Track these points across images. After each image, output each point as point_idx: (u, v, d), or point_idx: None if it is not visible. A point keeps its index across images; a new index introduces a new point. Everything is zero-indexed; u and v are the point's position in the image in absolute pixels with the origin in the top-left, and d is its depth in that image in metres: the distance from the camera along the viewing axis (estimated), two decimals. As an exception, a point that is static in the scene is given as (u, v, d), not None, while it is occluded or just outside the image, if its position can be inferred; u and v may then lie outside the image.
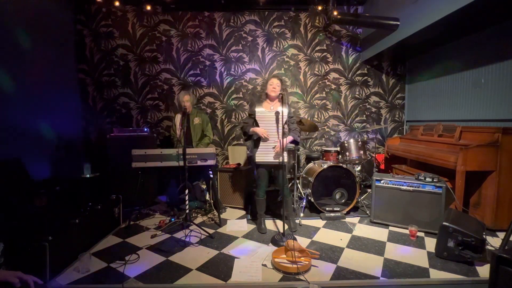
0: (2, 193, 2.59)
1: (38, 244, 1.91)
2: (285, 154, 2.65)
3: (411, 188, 2.80)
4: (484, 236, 2.16)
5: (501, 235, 2.63)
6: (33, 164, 3.29)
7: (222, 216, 3.26)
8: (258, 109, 2.71)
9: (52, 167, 3.72)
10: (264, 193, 2.81)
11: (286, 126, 2.67)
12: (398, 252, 2.38)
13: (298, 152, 2.77)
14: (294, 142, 2.80)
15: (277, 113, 2.53)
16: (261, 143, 2.68)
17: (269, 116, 2.66)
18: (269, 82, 2.69)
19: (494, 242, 2.47)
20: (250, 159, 4.23)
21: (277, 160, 2.62)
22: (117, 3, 4.28)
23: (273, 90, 2.66)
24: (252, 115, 2.74)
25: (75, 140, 4.33)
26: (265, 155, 2.66)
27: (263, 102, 2.77)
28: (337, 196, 3.24)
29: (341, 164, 3.27)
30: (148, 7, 4.39)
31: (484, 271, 2.05)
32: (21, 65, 3.29)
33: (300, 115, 4.71)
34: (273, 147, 2.62)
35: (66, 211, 2.55)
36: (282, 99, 2.54)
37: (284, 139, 2.55)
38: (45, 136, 3.62)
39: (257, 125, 2.70)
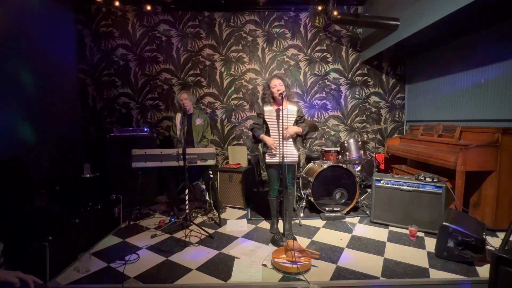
0: (3, 193, 2.59)
1: (38, 244, 1.91)
2: (294, 151, 2.63)
3: (411, 188, 2.80)
4: (484, 236, 2.16)
5: (501, 235, 2.63)
6: (33, 164, 3.29)
7: (222, 216, 3.26)
8: (267, 108, 2.65)
9: (52, 167, 3.72)
10: (276, 193, 2.77)
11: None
12: (398, 252, 2.38)
13: (298, 152, 2.74)
14: (301, 137, 2.71)
15: (281, 95, 2.47)
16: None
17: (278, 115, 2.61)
18: (270, 85, 2.60)
19: (494, 242, 2.47)
20: (250, 159, 4.23)
21: (288, 160, 2.57)
22: (117, 3, 4.28)
23: (278, 91, 2.53)
24: (260, 114, 2.69)
25: (75, 140, 4.33)
26: (275, 155, 2.59)
27: (271, 103, 2.68)
28: (337, 196, 3.24)
29: (341, 164, 3.27)
30: (148, 7, 4.39)
31: (484, 271, 2.04)
32: (21, 65, 3.29)
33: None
34: (285, 132, 2.53)
35: (66, 211, 2.55)
36: (282, 99, 2.50)
37: (294, 127, 2.56)
38: (45, 136, 3.62)
39: (267, 125, 2.65)
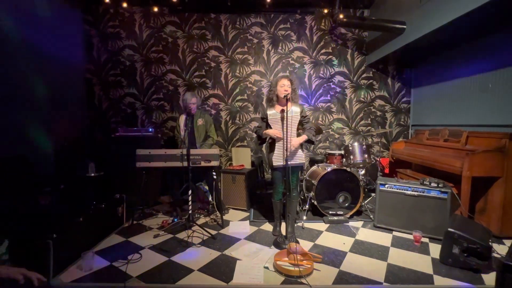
0: (7, 190, 2.62)
1: (42, 241, 1.93)
2: (300, 153, 2.60)
3: (415, 193, 2.77)
4: (490, 243, 2.13)
5: (508, 242, 2.59)
6: (38, 162, 3.32)
7: (224, 217, 3.26)
8: (270, 112, 2.63)
9: (57, 165, 3.75)
10: (280, 195, 2.74)
11: (299, 126, 2.66)
12: (401, 258, 2.35)
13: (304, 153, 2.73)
14: (309, 141, 2.67)
15: (285, 97, 2.44)
16: (277, 146, 2.59)
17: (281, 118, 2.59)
18: (279, 84, 2.58)
19: (500, 249, 2.43)
20: (254, 161, 4.23)
21: (295, 162, 2.56)
22: (124, 4, 4.32)
23: (285, 92, 2.52)
24: (264, 118, 2.68)
25: (80, 139, 4.37)
26: (282, 157, 2.55)
27: (274, 104, 2.67)
28: (341, 200, 3.22)
29: (345, 168, 3.25)
30: (155, 9, 4.43)
31: (490, 279, 2.01)
32: (29, 63, 3.34)
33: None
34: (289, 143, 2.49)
35: (70, 210, 2.57)
36: (287, 100, 2.47)
37: (298, 138, 2.53)
38: (50, 134, 3.65)
39: (271, 128, 2.62)
